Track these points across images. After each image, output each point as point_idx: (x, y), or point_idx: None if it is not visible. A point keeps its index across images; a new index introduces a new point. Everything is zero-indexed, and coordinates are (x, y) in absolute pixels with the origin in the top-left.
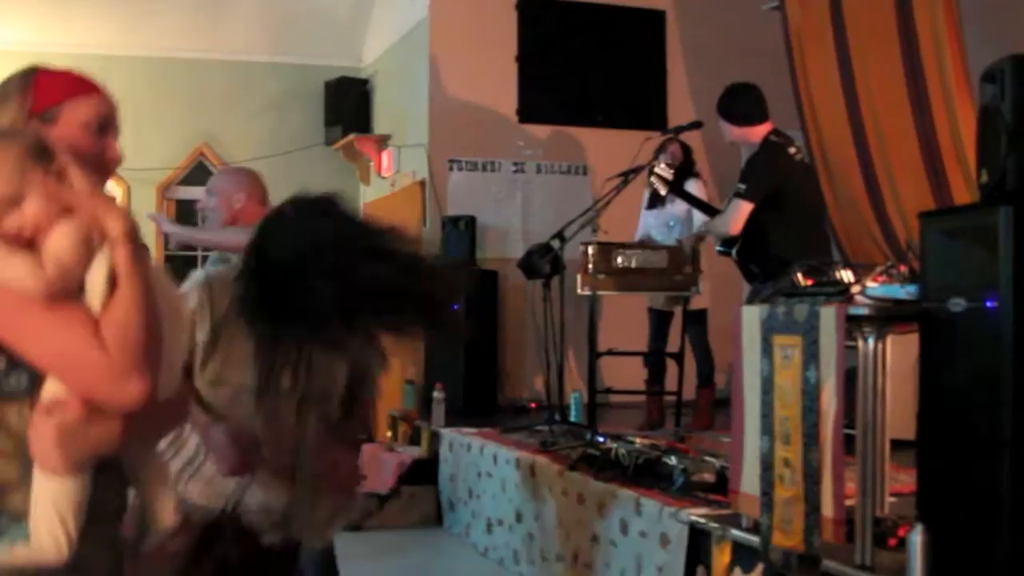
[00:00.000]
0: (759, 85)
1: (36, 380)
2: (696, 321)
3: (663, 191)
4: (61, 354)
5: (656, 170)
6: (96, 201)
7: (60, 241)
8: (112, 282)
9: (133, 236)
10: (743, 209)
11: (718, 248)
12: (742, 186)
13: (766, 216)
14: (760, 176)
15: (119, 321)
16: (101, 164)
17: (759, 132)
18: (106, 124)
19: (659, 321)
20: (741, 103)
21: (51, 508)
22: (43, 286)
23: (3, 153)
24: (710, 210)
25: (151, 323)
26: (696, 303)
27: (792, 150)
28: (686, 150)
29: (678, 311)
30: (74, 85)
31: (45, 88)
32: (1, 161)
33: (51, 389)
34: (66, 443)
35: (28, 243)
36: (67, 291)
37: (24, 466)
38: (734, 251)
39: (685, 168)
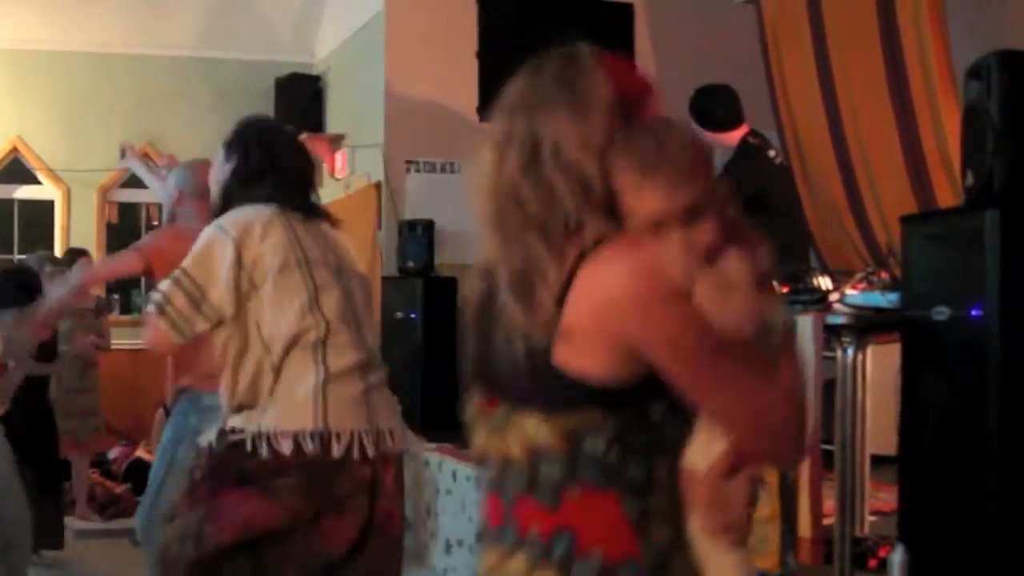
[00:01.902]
0: (733, 83)
1: (688, 426)
2: None
3: None
4: (760, 411)
5: None
6: (747, 230)
7: (742, 275)
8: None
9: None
10: None
11: None
12: None
13: None
14: (740, 183)
15: (795, 377)
16: None
17: (735, 136)
18: None
19: None
20: (715, 107)
21: None
22: (750, 331)
23: (691, 149)
24: None
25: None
26: None
27: (771, 152)
28: None
29: None
30: (644, 78)
31: (621, 77)
32: (691, 159)
33: (714, 447)
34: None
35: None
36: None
37: (675, 531)
38: None
39: None
